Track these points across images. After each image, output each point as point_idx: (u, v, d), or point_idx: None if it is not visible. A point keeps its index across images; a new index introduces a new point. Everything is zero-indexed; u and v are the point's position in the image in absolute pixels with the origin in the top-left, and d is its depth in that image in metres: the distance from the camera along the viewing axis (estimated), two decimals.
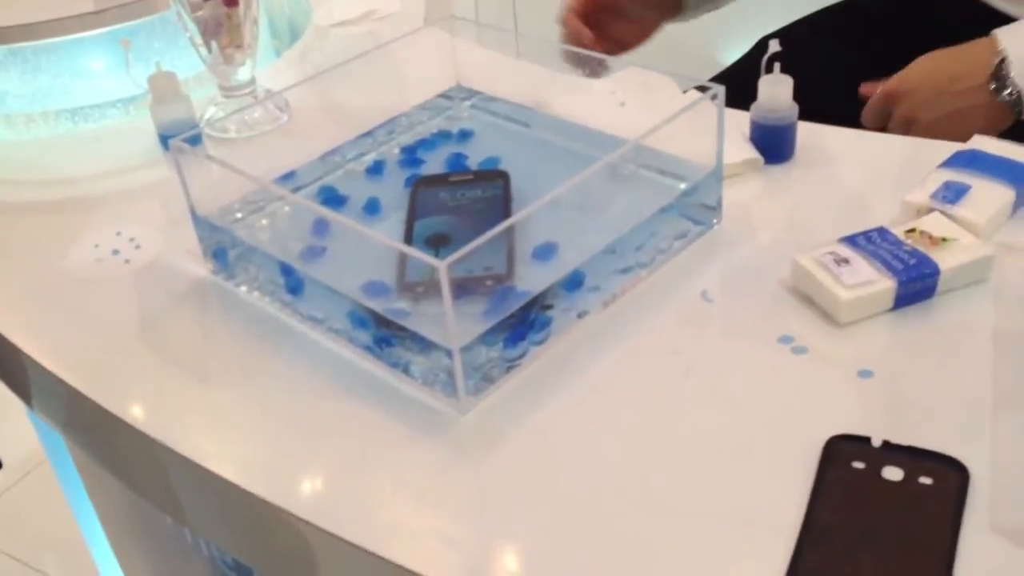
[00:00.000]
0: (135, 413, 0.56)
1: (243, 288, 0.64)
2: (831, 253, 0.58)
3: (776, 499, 0.47)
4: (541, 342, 0.57)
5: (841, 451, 0.48)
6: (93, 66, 0.94)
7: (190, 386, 0.58)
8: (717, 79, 1.10)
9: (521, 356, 0.56)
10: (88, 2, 0.84)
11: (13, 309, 0.66)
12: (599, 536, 0.46)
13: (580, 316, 0.59)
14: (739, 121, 0.71)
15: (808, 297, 0.58)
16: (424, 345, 0.54)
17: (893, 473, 0.47)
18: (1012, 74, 0.80)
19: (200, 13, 0.76)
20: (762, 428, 0.51)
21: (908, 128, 0.84)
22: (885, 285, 0.56)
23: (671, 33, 1.95)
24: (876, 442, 0.48)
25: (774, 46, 0.70)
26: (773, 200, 0.68)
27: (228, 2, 0.75)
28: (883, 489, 0.46)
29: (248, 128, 0.79)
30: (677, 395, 0.53)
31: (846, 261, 0.57)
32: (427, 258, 0.49)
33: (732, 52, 1.89)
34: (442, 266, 0.49)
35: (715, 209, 0.66)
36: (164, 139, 0.80)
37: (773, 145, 0.71)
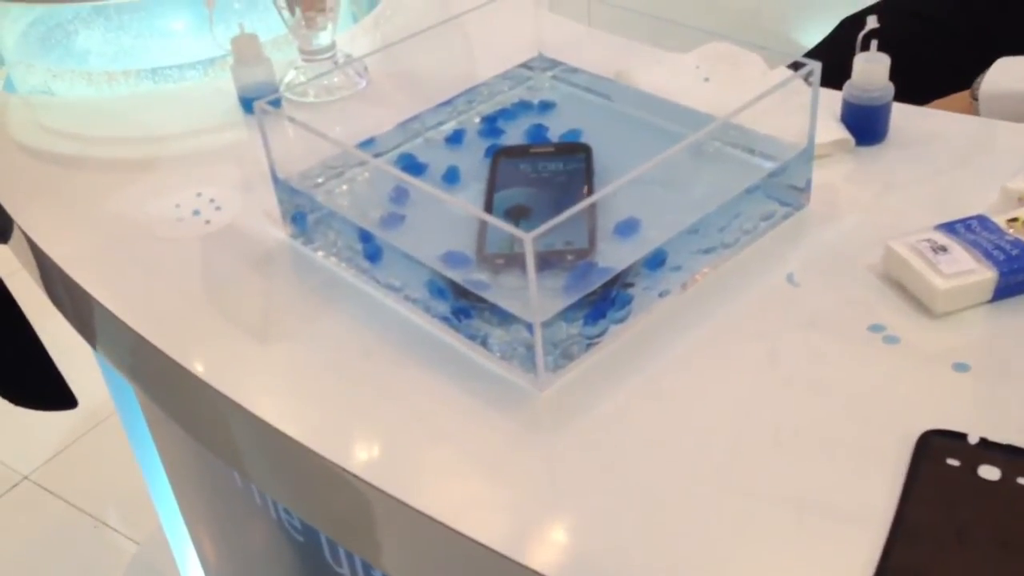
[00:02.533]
0: (202, 367, 0.57)
1: (321, 253, 0.63)
2: (927, 240, 0.56)
3: (865, 492, 0.45)
4: (621, 320, 0.55)
5: (935, 447, 0.46)
6: (174, 26, 0.95)
7: (261, 345, 0.58)
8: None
9: (601, 334, 0.55)
10: None
11: (92, 261, 0.67)
12: (676, 521, 0.45)
13: (661, 295, 0.57)
14: (829, 100, 0.69)
15: (901, 285, 0.56)
16: (503, 318, 0.53)
17: (990, 472, 0.45)
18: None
19: None
20: (851, 419, 0.49)
21: None
22: (985, 275, 0.53)
23: (745, 11, 1.90)
24: (972, 439, 0.46)
25: (872, 22, 0.67)
26: (864, 183, 0.66)
27: None
28: (979, 488, 0.44)
29: (327, 93, 0.79)
30: (761, 381, 0.52)
31: (944, 249, 0.55)
32: (513, 229, 0.49)
33: (806, 32, 1.84)
34: (527, 239, 0.48)
35: (803, 191, 0.64)
36: (244, 101, 0.80)
37: (866, 126, 0.68)
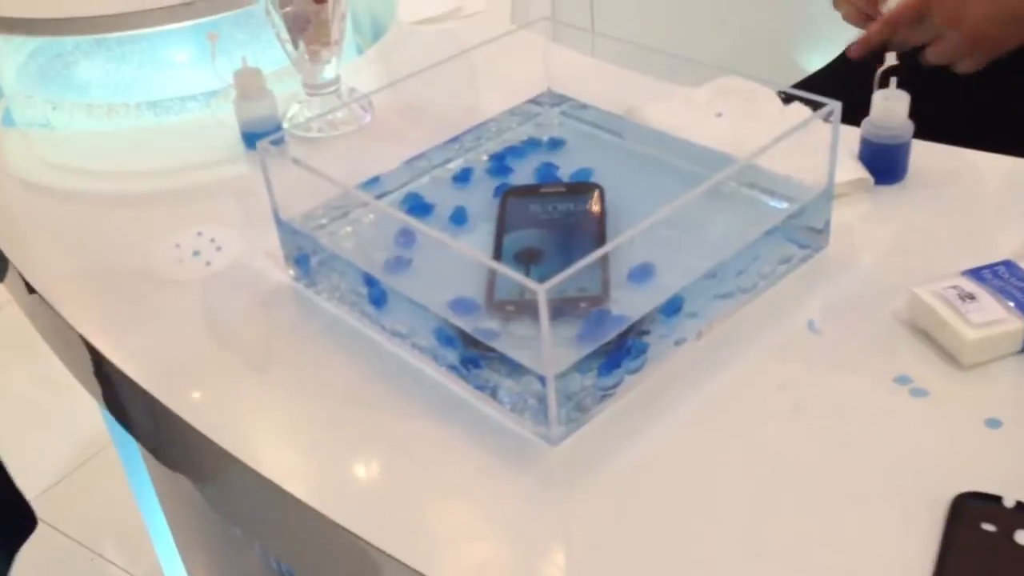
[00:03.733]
0: (199, 418, 0.54)
1: (324, 296, 0.61)
2: (954, 287, 0.54)
3: (896, 559, 0.43)
4: (636, 370, 0.53)
5: (970, 511, 0.44)
6: (176, 58, 0.93)
7: (262, 396, 0.56)
8: (804, 86, 1.05)
9: (616, 385, 0.52)
10: None
11: (88, 304, 0.65)
12: None
13: (677, 344, 0.55)
14: (845, 137, 0.67)
15: (927, 333, 0.54)
16: (514, 368, 0.51)
17: None
18: None
19: (288, 9, 0.74)
20: (880, 478, 0.47)
21: (948, 33, 0.75)
22: (1015, 326, 0.51)
23: (750, 33, 1.89)
24: (1008, 502, 0.44)
25: (891, 59, 0.65)
26: (884, 224, 0.64)
27: None
28: (1018, 556, 0.42)
29: (331, 127, 0.77)
30: (784, 435, 0.50)
31: (971, 297, 0.53)
32: (526, 281, 0.47)
33: (811, 55, 1.83)
34: (541, 290, 0.46)
35: (823, 232, 0.62)
36: (246, 136, 0.78)
37: (885, 164, 0.66)
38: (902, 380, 0.52)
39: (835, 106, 0.58)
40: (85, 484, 1.67)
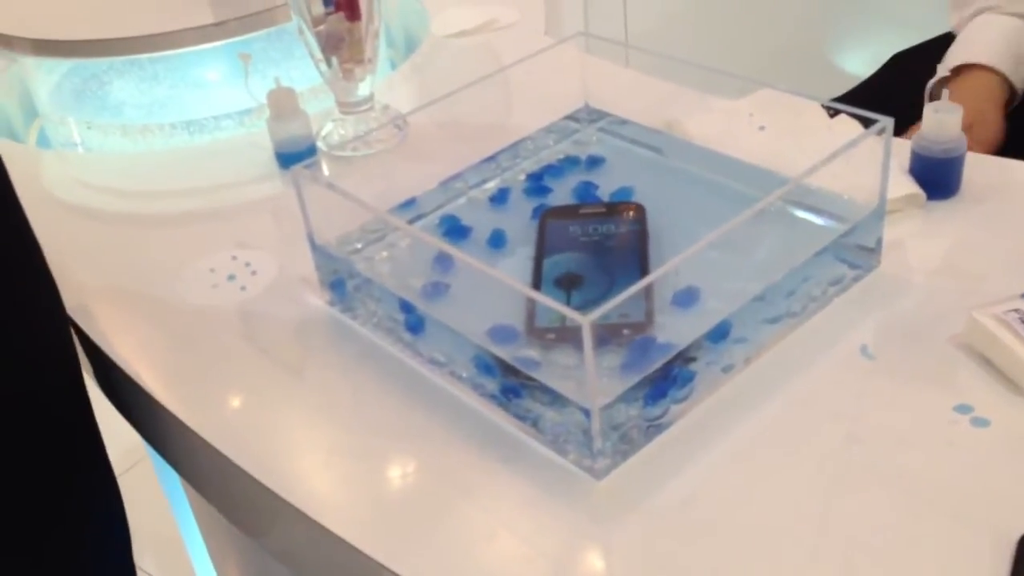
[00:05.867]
0: (234, 449, 0.54)
1: (360, 322, 0.60)
2: (1016, 311, 0.51)
3: None
4: (683, 399, 0.52)
5: None
6: (209, 77, 0.93)
7: (299, 424, 0.55)
8: (848, 98, 1.03)
9: (662, 415, 0.51)
10: (207, 13, 0.83)
11: (123, 330, 0.64)
12: None
13: (725, 371, 0.53)
14: (895, 150, 0.65)
15: (987, 359, 0.52)
16: (556, 399, 0.49)
17: None
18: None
19: (321, 28, 0.73)
20: (940, 514, 0.45)
21: None
22: None
23: (785, 38, 1.86)
24: None
25: (942, 71, 0.63)
26: (938, 242, 0.62)
27: (350, 16, 0.72)
28: None
29: (366, 146, 0.76)
30: (839, 467, 0.48)
31: None
32: (569, 311, 0.45)
33: (851, 59, 1.80)
34: (586, 323, 0.44)
35: (874, 251, 0.59)
36: (280, 155, 0.77)
37: (937, 179, 0.64)
38: (962, 409, 0.49)
39: (887, 122, 0.55)
40: (124, 497, 1.68)
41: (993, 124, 0.86)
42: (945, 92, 0.63)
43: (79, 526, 0.61)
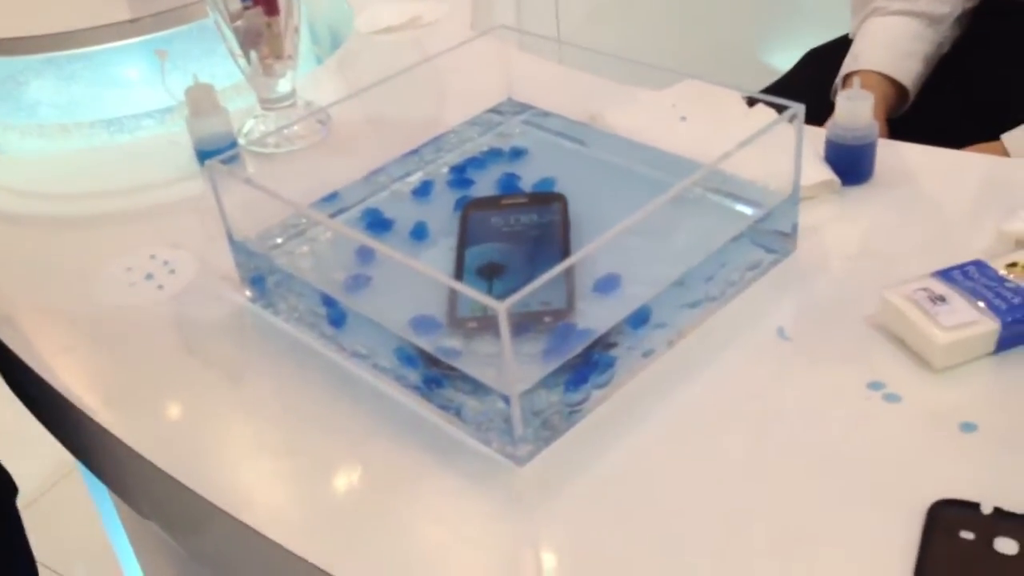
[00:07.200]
0: (155, 449, 0.52)
1: (283, 318, 0.60)
2: (924, 289, 0.53)
3: (873, 569, 0.42)
4: (604, 384, 0.52)
5: (947, 518, 0.43)
6: (128, 75, 0.91)
7: (222, 420, 0.54)
8: (765, 92, 1.05)
9: (583, 400, 0.51)
10: (124, 10, 0.81)
11: (36, 333, 0.62)
12: None
13: (645, 355, 0.54)
14: (811, 138, 0.66)
15: (898, 337, 0.53)
16: (477, 387, 0.49)
17: (1007, 546, 0.42)
18: None
19: (239, 23, 0.72)
20: (854, 487, 0.46)
21: None
22: (987, 327, 0.50)
23: (716, 36, 1.89)
24: (986, 508, 0.43)
25: (837, 80, 0.64)
26: (852, 226, 0.63)
27: (269, 11, 0.71)
28: (997, 564, 0.41)
29: (288, 142, 0.75)
30: (756, 445, 0.49)
31: (942, 299, 0.52)
32: (485, 299, 0.45)
33: (778, 56, 1.83)
34: (502, 308, 0.44)
35: (790, 236, 0.61)
36: (200, 153, 0.76)
37: (851, 165, 0.65)
38: (875, 386, 0.51)
39: (798, 109, 0.57)
40: (53, 508, 1.64)
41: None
42: (856, 80, 0.64)
43: None
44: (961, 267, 0.54)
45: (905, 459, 0.47)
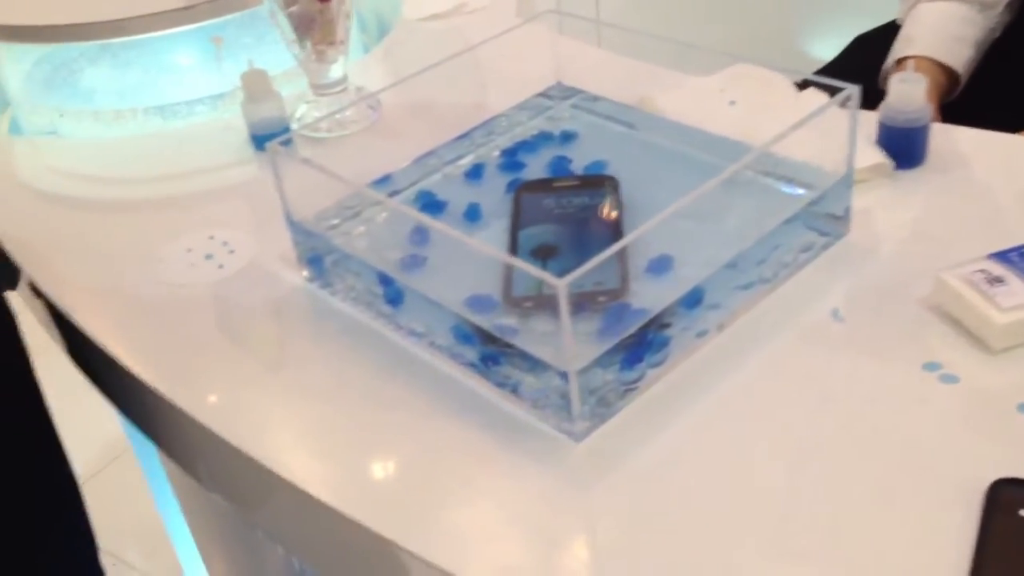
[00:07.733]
0: (218, 422, 0.54)
1: (340, 297, 0.61)
2: (981, 271, 0.53)
3: (932, 551, 0.42)
4: (658, 364, 0.52)
5: (1007, 497, 0.43)
6: (182, 62, 0.93)
7: (280, 399, 0.55)
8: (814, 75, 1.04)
9: (638, 379, 0.52)
10: None
11: (102, 312, 0.64)
12: None
13: (699, 336, 0.54)
14: (864, 122, 0.66)
15: (954, 319, 0.53)
16: (534, 365, 0.50)
17: None
18: None
19: (293, 9, 0.73)
20: (912, 467, 0.46)
21: None
22: None
23: (756, 24, 1.88)
24: None
25: (887, 65, 0.64)
26: (905, 209, 0.63)
27: None
28: None
29: (340, 127, 0.77)
30: (811, 426, 0.49)
31: (999, 280, 0.52)
32: (545, 276, 0.46)
33: (819, 44, 1.82)
34: (561, 285, 0.45)
35: (843, 219, 0.61)
36: (255, 138, 0.78)
37: (904, 149, 0.65)
38: (931, 367, 0.51)
39: (853, 90, 0.57)
40: (105, 489, 1.67)
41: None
42: (910, 63, 0.64)
43: (42, 539, 0.60)
44: (1018, 248, 0.54)
45: (963, 440, 0.47)
